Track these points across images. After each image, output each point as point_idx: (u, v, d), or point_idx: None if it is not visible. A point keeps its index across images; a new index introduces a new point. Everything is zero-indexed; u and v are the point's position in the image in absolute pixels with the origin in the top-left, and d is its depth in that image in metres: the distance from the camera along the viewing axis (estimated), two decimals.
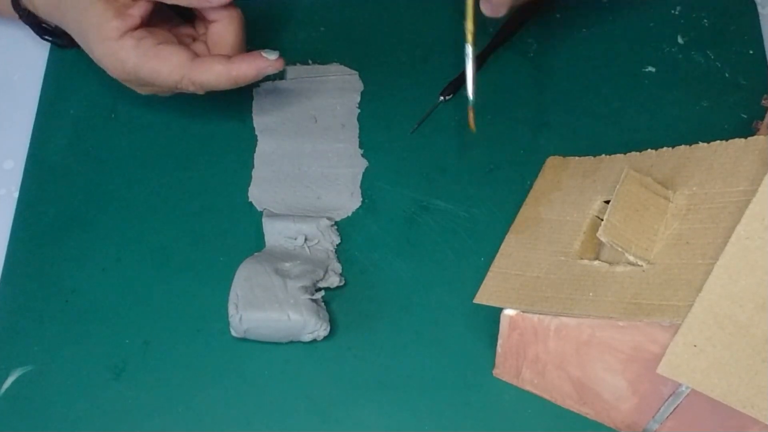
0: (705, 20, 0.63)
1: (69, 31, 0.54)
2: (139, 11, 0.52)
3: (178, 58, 0.51)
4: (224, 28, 0.53)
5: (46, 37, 0.60)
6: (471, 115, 0.50)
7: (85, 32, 0.52)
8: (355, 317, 0.52)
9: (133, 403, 0.49)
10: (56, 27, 0.58)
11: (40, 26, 0.59)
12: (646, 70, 0.60)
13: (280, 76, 0.61)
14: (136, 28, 0.51)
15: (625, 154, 0.47)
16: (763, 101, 0.53)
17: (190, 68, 0.51)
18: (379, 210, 0.55)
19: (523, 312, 0.43)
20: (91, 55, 0.53)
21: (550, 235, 0.46)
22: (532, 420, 0.48)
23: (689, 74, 0.60)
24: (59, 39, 0.60)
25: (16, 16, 0.58)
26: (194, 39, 0.55)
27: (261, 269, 0.50)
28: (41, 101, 0.60)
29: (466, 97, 0.49)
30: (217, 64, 0.51)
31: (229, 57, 0.51)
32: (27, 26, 0.59)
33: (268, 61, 0.51)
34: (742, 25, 0.62)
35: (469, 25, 0.48)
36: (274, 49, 0.51)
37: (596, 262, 0.42)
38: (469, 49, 0.48)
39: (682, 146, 0.44)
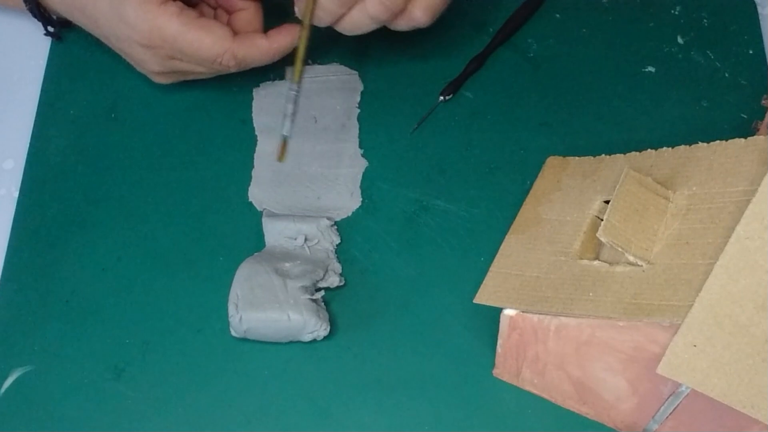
0: (705, 20, 0.63)
1: None
2: None
3: (223, 32, 0.52)
4: (251, 15, 0.56)
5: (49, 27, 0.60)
6: (282, 147, 0.51)
7: None
8: (355, 317, 0.52)
9: (133, 403, 0.49)
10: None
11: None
12: (646, 70, 0.60)
13: (280, 76, 0.61)
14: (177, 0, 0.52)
15: (625, 154, 0.47)
16: (763, 101, 0.53)
17: (234, 42, 0.52)
18: (379, 210, 0.55)
19: (523, 312, 0.43)
20: (118, 24, 0.52)
21: (550, 235, 0.46)
22: (532, 420, 0.48)
23: (689, 74, 0.60)
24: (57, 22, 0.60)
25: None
26: None
27: (261, 269, 0.50)
28: (41, 101, 0.60)
29: (282, 134, 0.51)
30: (260, 39, 0.53)
31: (265, 33, 0.54)
32: (27, 24, 0.59)
33: (296, 29, 0.52)
34: (742, 25, 0.62)
35: (298, 66, 0.51)
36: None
37: (596, 262, 0.42)
38: (295, 87, 0.51)
39: (682, 146, 0.44)
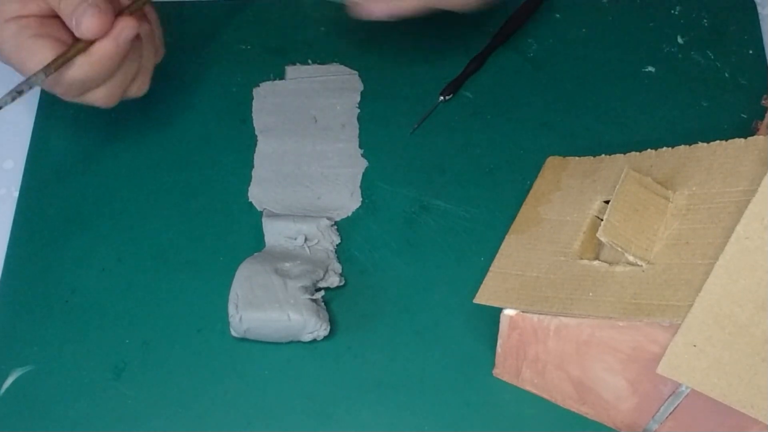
0: (705, 20, 0.63)
1: None
2: (42, 5, 0.47)
3: (45, 56, 0.46)
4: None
5: None
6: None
7: None
8: (355, 317, 0.52)
9: (133, 403, 0.49)
10: None
11: None
12: (646, 70, 0.60)
13: (280, 75, 0.61)
14: (30, 16, 0.47)
15: (625, 154, 0.47)
16: (763, 101, 0.53)
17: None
18: (379, 210, 0.55)
19: (523, 312, 0.43)
20: None
21: (550, 235, 0.46)
22: (532, 420, 0.48)
23: (689, 74, 0.60)
24: None
25: None
26: None
27: (261, 269, 0.50)
28: (41, 101, 0.60)
29: None
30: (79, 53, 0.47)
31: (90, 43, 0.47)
32: None
33: (125, 26, 0.47)
34: (742, 25, 0.62)
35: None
36: None
37: (596, 262, 0.42)
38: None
39: (682, 146, 0.44)
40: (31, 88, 0.47)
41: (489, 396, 0.49)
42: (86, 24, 0.46)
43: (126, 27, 0.47)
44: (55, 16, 0.48)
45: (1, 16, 0.47)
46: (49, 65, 0.46)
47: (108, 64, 0.48)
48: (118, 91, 0.51)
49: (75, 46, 0.47)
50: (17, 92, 0.46)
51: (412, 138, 0.58)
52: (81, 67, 0.47)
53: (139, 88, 0.53)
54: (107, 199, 0.56)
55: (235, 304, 0.49)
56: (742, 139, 0.41)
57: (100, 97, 0.50)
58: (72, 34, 0.48)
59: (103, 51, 0.47)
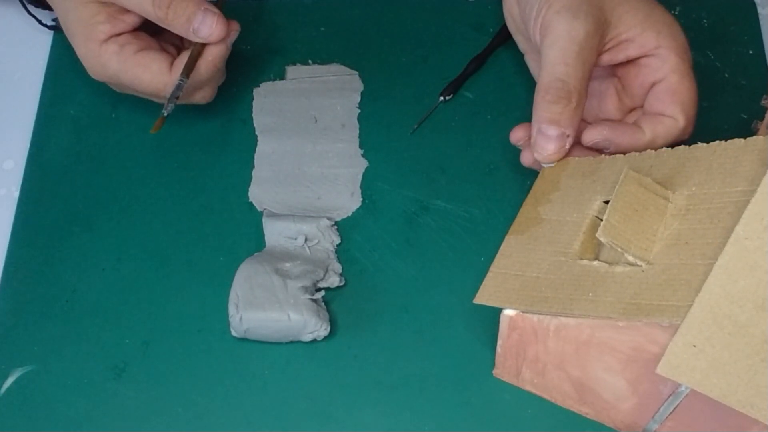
0: (705, 20, 0.63)
1: (60, 20, 0.54)
2: (131, 19, 0.51)
3: (159, 66, 0.51)
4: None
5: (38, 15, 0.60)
6: (159, 122, 0.51)
7: (73, 28, 0.52)
8: (355, 317, 0.52)
9: (133, 403, 0.49)
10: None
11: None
12: None
13: (281, 75, 0.61)
14: (123, 33, 0.51)
15: (624, 154, 0.47)
16: (763, 101, 0.53)
17: (171, 75, 0.51)
18: (379, 210, 0.55)
19: (523, 312, 0.43)
20: (76, 52, 0.53)
21: (549, 235, 0.46)
22: (532, 420, 0.48)
23: None
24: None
25: None
26: (179, 50, 0.55)
27: (261, 269, 0.50)
28: (41, 101, 0.60)
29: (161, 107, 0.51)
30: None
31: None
32: (27, 24, 0.59)
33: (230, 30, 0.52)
34: (742, 25, 0.62)
35: (188, 63, 0.51)
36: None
37: (596, 263, 0.42)
38: (183, 79, 0.51)
39: (682, 146, 0.44)
40: (181, 92, 0.51)
41: (489, 396, 0.49)
42: (209, 30, 0.50)
43: (233, 29, 0.52)
44: (140, 28, 0.52)
45: (96, 39, 0.51)
46: (183, 70, 0.51)
47: (219, 64, 0.53)
48: (216, 87, 0.56)
49: (192, 51, 0.51)
50: (175, 98, 0.51)
51: (412, 138, 0.58)
52: (200, 69, 0.52)
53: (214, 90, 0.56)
54: (107, 199, 0.56)
55: (235, 304, 0.49)
56: (742, 140, 0.41)
57: (207, 95, 0.55)
58: (164, 40, 0.54)
59: (216, 52, 0.52)
